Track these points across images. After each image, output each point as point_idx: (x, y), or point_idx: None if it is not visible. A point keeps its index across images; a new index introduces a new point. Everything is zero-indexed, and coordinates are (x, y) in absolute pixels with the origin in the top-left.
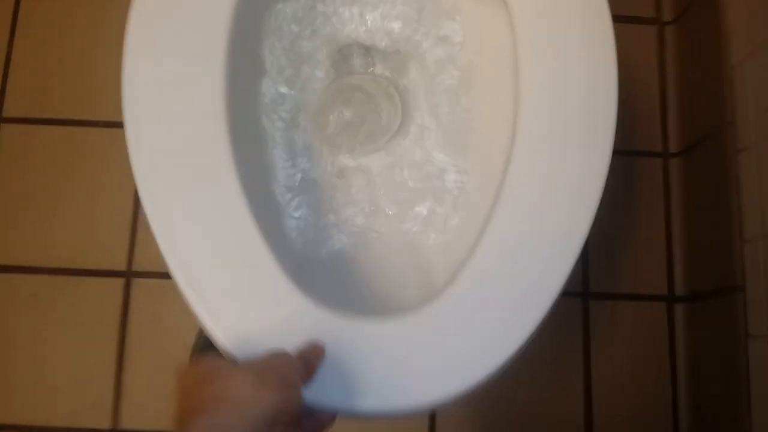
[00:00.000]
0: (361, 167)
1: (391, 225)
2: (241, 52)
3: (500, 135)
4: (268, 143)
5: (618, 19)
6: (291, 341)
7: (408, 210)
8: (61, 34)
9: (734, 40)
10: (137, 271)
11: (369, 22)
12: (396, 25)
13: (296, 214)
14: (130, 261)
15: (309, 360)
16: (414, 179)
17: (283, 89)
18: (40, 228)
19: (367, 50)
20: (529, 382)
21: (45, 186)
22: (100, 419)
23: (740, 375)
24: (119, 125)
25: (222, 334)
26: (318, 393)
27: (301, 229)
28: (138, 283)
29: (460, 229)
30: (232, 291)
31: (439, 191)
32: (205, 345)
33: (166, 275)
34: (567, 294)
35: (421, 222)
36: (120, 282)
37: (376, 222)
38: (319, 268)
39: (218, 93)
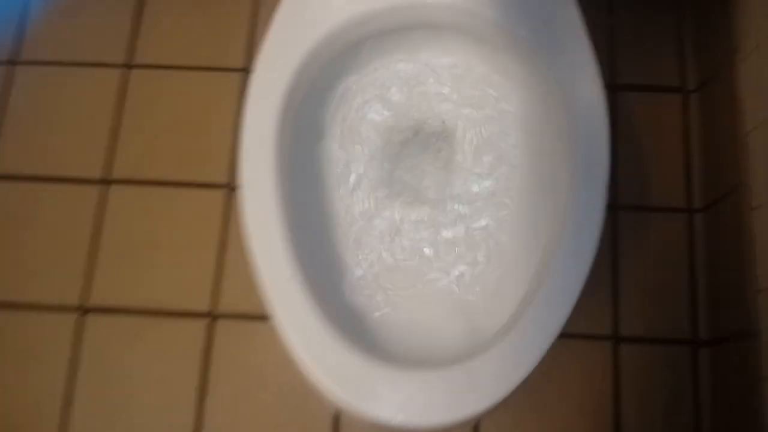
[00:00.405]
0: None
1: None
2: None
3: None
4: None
5: (647, 88)
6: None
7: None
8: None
9: (747, 112)
10: (220, 313)
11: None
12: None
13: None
14: (214, 303)
15: None
16: (459, 240)
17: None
18: (140, 274)
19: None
20: (557, 413)
21: (143, 240)
22: None
23: (758, 416)
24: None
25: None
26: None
27: (357, 289)
28: (221, 324)
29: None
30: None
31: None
32: None
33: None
34: (599, 337)
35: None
36: (204, 322)
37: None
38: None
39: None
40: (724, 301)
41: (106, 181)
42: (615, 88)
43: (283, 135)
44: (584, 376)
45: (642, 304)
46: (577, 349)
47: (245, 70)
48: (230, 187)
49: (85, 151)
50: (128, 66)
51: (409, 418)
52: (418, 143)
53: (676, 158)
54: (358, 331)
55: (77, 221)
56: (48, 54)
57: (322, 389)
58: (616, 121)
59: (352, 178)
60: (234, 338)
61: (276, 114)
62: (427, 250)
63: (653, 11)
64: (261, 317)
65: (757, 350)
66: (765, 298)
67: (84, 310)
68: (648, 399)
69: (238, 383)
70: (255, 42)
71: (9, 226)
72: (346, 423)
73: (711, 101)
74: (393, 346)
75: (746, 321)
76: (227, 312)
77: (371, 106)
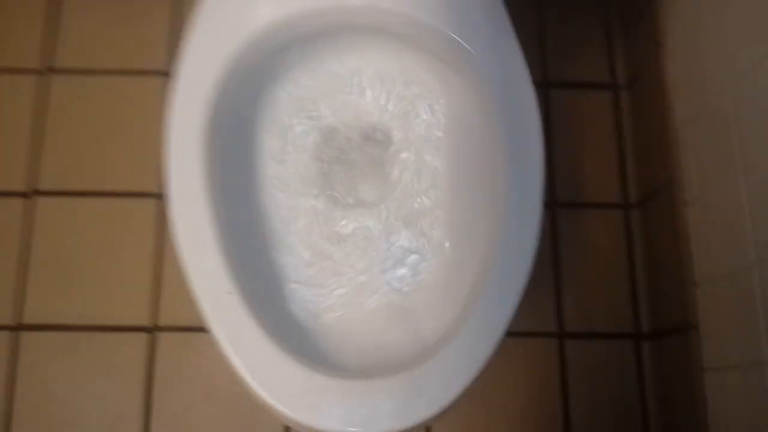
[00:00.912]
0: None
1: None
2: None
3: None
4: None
5: (579, 85)
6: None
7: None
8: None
9: (677, 107)
10: (161, 326)
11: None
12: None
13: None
14: (154, 315)
15: None
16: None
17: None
18: (73, 289)
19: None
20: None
21: (76, 252)
22: None
23: (701, 405)
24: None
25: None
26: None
27: (300, 300)
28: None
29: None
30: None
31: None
32: None
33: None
34: (545, 335)
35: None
36: (145, 336)
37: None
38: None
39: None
40: (663, 294)
41: (31, 193)
42: (547, 86)
43: (210, 145)
44: (532, 373)
45: (584, 300)
46: (524, 347)
47: (167, 74)
48: (160, 196)
49: (7, 162)
50: (46, 71)
51: (357, 429)
52: (352, 149)
53: (610, 155)
54: (300, 341)
55: (3, 236)
56: None
57: (266, 405)
58: (549, 119)
59: (286, 185)
60: (177, 351)
61: (201, 124)
62: (367, 257)
63: (582, 10)
64: (204, 329)
65: (697, 342)
66: (702, 291)
67: (18, 328)
68: (595, 392)
69: (185, 397)
70: (176, 43)
71: None
72: None
73: (641, 97)
74: (336, 354)
75: (685, 314)
76: (169, 324)
77: (301, 112)
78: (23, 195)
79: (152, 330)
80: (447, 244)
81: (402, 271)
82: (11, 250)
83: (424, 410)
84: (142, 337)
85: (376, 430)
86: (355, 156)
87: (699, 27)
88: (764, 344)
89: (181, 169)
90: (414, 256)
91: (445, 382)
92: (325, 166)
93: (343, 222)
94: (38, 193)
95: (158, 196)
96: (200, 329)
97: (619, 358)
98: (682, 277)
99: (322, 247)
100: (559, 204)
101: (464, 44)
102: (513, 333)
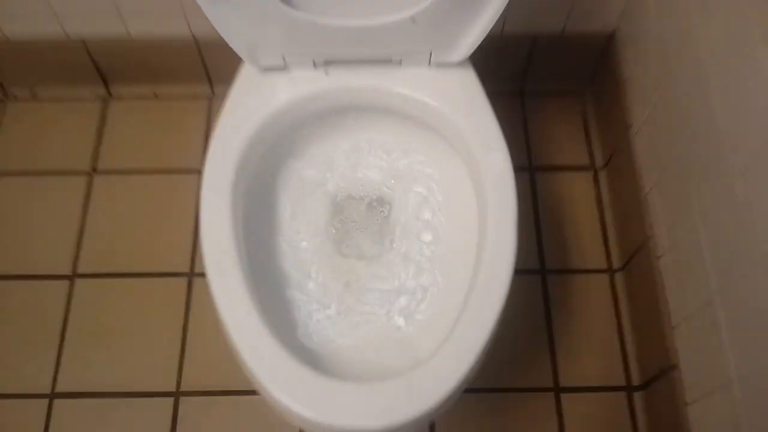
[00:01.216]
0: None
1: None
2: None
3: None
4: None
5: (563, 168)
6: None
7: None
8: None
9: (644, 173)
10: (184, 391)
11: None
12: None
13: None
14: (178, 382)
15: None
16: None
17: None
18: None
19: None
20: None
21: (109, 327)
22: None
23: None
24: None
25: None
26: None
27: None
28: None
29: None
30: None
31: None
32: None
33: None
34: (542, 390)
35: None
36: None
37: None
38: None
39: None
40: (647, 344)
41: (73, 276)
42: (533, 170)
43: (234, 200)
44: (531, 426)
45: (577, 357)
46: (522, 402)
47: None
48: (191, 275)
49: (53, 248)
50: (92, 172)
51: (370, 423)
52: (362, 209)
53: (594, 226)
54: (313, 362)
55: (47, 313)
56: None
57: (283, 408)
58: (535, 198)
59: (304, 244)
60: (198, 413)
61: (228, 181)
62: (373, 298)
63: (561, 104)
64: (224, 392)
65: (680, 379)
66: (679, 333)
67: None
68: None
69: None
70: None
71: None
72: None
73: (616, 172)
74: (341, 370)
75: (667, 357)
76: (191, 389)
77: (314, 182)
78: (67, 277)
79: (176, 394)
80: (439, 288)
81: (401, 305)
82: (54, 325)
83: (422, 405)
84: (168, 401)
85: (386, 423)
86: (363, 216)
87: (657, 108)
88: (731, 364)
89: (211, 213)
90: (413, 299)
91: (436, 384)
92: (339, 226)
93: (354, 270)
94: (79, 275)
95: (189, 275)
96: (221, 392)
97: (613, 409)
98: (661, 324)
99: (331, 288)
100: (549, 271)
101: (450, 117)
102: (512, 389)
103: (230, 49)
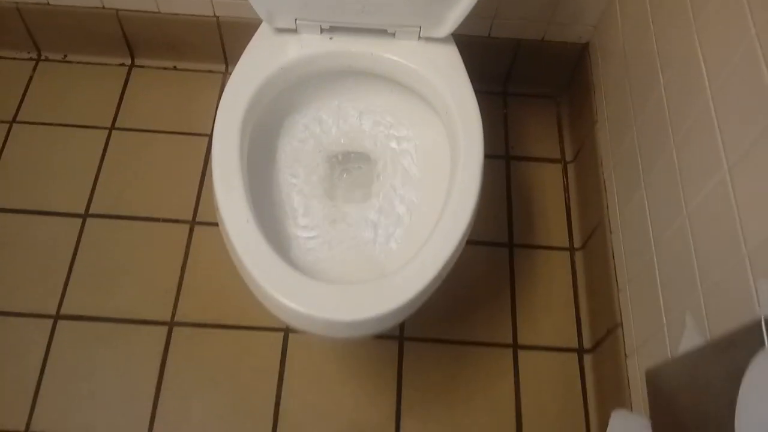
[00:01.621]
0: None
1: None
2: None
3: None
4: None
5: (536, 159)
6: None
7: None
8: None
9: (604, 161)
10: (178, 322)
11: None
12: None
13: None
14: (173, 314)
15: None
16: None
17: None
18: (110, 290)
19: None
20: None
21: (117, 261)
22: None
23: (625, 387)
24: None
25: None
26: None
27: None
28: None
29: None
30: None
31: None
32: None
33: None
34: (502, 345)
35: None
36: (164, 329)
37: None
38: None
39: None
40: (599, 309)
41: (85, 215)
42: (509, 159)
43: (242, 136)
44: (490, 377)
45: (536, 321)
46: (484, 355)
47: (209, 136)
48: (193, 222)
49: (71, 190)
50: (111, 128)
51: (346, 316)
52: (351, 161)
53: (559, 210)
54: (304, 270)
55: (60, 246)
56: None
57: (275, 303)
58: (509, 183)
59: (297, 185)
60: (189, 342)
61: (239, 118)
62: (354, 231)
63: (539, 105)
64: (214, 325)
65: (622, 336)
66: (624, 295)
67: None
68: (543, 395)
69: (192, 380)
70: None
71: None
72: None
73: (582, 165)
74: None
75: (613, 317)
76: (184, 320)
77: (313, 136)
78: (81, 216)
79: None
80: (411, 222)
81: (379, 236)
82: (65, 258)
83: (389, 305)
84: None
85: (357, 317)
86: (352, 167)
87: (615, 105)
88: (663, 311)
89: (221, 138)
90: (389, 225)
91: (403, 287)
92: (329, 172)
93: (343, 205)
94: (91, 215)
95: (192, 223)
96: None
97: (564, 367)
98: (610, 288)
99: (319, 220)
100: (517, 245)
101: (432, 81)
102: (474, 342)
103: (247, 30)
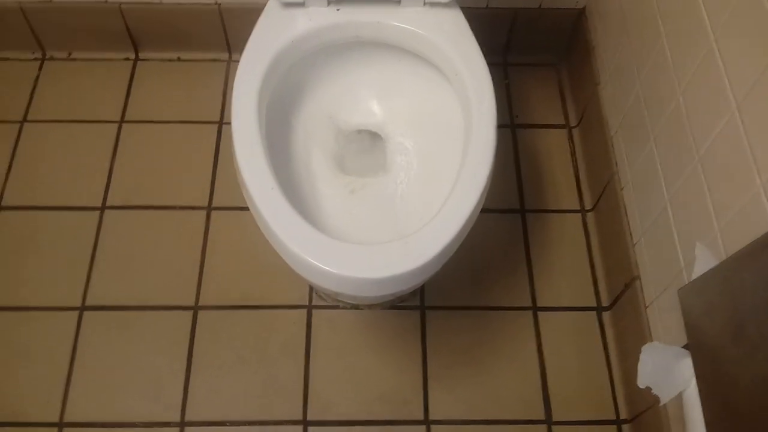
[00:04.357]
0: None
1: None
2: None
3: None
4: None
5: (541, 126)
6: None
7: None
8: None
9: (609, 121)
10: (202, 306)
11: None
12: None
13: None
14: (197, 297)
15: None
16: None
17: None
18: (132, 279)
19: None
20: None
21: (137, 250)
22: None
23: (644, 335)
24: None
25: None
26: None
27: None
28: (203, 314)
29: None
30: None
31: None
32: None
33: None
34: (522, 308)
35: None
36: (189, 314)
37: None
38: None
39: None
40: (614, 266)
41: (103, 207)
42: (515, 127)
43: (259, 108)
44: (512, 340)
45: (553, 283)
46: (505, 319)
47: (219, 123)
48: (209, 208)
49: (86, 184)
50: (121, 121)
51: (372, 274)
52: (363, 136)
53: (568, 174)
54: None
55: (80, 239)
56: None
57: (303, 264)
58: (517, 151)
59: (313, 159)
60: (214, 324)
61: (257, 84)
62: (377, 195)
63: (539, 74)
64: (237, 306)
65: (640, 288)
66: (639, 247)
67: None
68: (565, 354)
69: (220, 361)
70: (227, 100)
71: (13, 248)
72: None
73: (587, 127)
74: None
75: (630, 271)
76: (208, 304)
77: (325, 112)
78: (98, 209)
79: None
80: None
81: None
82: (86, 250)
83: (419, 260)
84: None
85: (386, 274)
86: (361, 145)
87: (617, 65)
88: (681, 257)
89: (240, 110)
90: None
91: (431, 242)
92: (342, 147)
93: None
94: (109, 207)
95: (208, 209)
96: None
97: (584, 326)
98: (625, 243)
99: (337, 191)
100: (528, 210)
101: (440, 45)
102: (496, 307)
103: (249, 16)
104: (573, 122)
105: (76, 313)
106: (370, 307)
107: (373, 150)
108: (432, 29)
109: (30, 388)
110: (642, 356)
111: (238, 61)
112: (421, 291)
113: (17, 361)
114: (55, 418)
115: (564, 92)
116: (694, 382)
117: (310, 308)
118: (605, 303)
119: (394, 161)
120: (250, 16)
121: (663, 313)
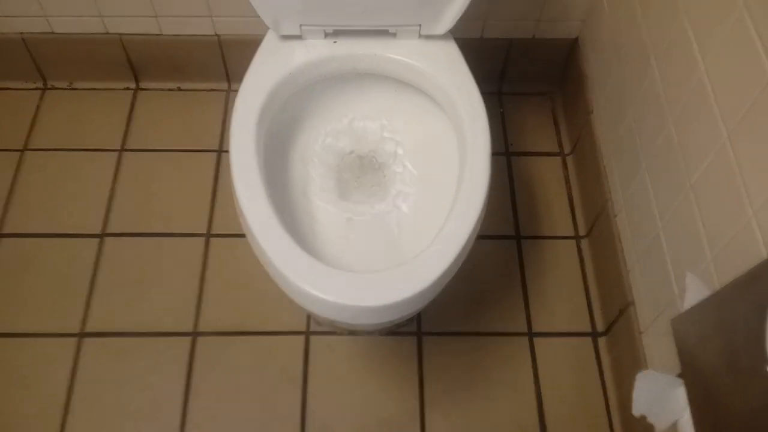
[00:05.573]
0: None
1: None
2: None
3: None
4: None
5: (536, 154)
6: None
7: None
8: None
9: (602, 149)
10: (201, 332)
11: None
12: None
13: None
14: (195, 324)
15: None
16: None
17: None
18: (131, 305)
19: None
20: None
21: (136, 277)
22: None
23: (639, 361)
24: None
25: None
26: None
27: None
28: (201, 340)
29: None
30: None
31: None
32: None
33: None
34: (518, 334)
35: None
36: (188, 340)
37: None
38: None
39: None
40: (609, 292)
41: (102, 235)
42: (510, 155)
43: (258, 137)
44: (508, 366)
45: (549, 308)
46: (501, 345)
47: (218, 151)
48: (208, 235)
49: (86, 212)
50: (121, 149)
51: (373, 301)
52: (360, 163)
53: (562, 200)
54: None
55: (79, 266)
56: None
57: (302, 294)
58: (512, 178)
59: (311, 187)
60: (214, 351)
61: (255, 116)
62: (374, 222)
63: (534, 103)
64: (236, 333)
65: (635, 313)
66: (633, 274)
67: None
68: (561, 380)
69: (218, 387)
70: (226, 129)
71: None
72: None
73: (581, 155)
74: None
75: (624, 297)
76: (207, 330)
77: (322, 139)
78: (98, 236)
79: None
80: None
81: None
82: (84, 277)
83: (416, 287)
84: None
85: (384, 302)
86: (363, 168)
87: (609, 94)
88: (673, 281)
89: (239, 139)
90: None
91: (428, 269)
92: (341, 173)
93: (356, 204)
94: (108, 234)
95: (207, 236)
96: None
97: (580, 351)
98: (618, 269)
99: (335, 219)
100: (523, 237)
101: (435, 76)
102: (490, 333)
103: (248, 48)
104: (567, 150)
105: (74, 340)
106: (368, 333)
107: (370, 178)
108: (427, 61)
109: (28, 415)
110: (636, 384)
111: (237, 91)
112: (417, 317)
113: (15, 388)
114: None
115: (558, 120)
116: (688, 411)
117: (307, 334)
118: (600, 329)
119: (391, 189)
120: (249, 47)
121: (658, 338)
